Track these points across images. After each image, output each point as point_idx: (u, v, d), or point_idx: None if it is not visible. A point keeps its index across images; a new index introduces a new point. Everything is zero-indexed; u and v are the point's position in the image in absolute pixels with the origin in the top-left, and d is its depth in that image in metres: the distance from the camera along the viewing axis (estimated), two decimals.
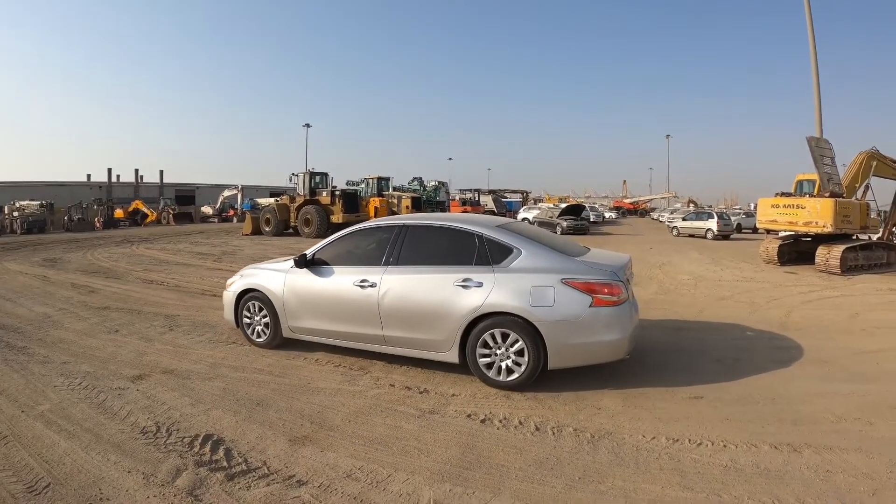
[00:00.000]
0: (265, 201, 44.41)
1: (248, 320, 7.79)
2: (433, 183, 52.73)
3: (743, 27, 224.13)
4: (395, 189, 44.03)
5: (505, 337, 5.95)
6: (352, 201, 30.77)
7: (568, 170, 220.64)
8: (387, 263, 6.63)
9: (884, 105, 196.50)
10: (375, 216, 31.14)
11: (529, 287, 5.88)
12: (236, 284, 7.96)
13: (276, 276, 7.50)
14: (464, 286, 6.08)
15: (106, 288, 12.73)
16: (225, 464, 4.36)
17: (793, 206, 19.40)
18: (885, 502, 4.06)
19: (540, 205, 57.08)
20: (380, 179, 42.77)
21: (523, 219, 44.35)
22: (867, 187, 20.78)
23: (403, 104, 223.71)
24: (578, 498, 3.95)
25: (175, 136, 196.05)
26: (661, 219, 59.05)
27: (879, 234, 21.98)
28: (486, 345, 6.04)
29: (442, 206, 50.20)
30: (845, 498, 4.10)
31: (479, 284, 6.02)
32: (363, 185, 43.44)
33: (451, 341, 6.15)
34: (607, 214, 63.52)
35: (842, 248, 17.51)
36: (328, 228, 27.89)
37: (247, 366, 6.82)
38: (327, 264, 7.08)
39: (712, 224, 35.28)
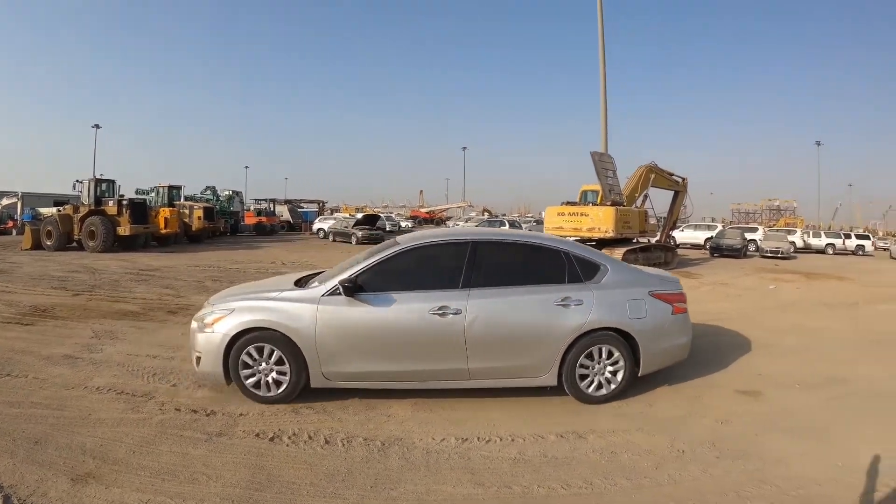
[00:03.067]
0: (48, 211, 40.45)
1: (248, 370, 5.91)
2: (227, 192, 50.68)
3: (533, 44, 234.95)
4: (186, 198, 41.83)
5: (605, 352, 6.03)
6: (140, 211, 28.48)
7: (367, 180, 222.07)
8: (466, 286, 5.92)
9: (663, 121, 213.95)
10: (165, 227, 29.75)
11: (626, 301, 6.09)
12: (227, 322, 5.93)
13: (299, 308, 5.89)
14: (564, 305, 5.91)
15: None
16: None
17: (577, 213, 21.21)
18: (668, 473, 4.46)
19: (336, 215, 57.02)
20: (171, 188, 39.85)
21: (318, 229, 44.37)
22: (646, 196, 23.28)
23: (197, 110, 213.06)
24: None
25: None
26: (456, 227, 61.13)
27: (658, 237, 24.44)
28: (583, 363, 6.00)
29: (236, 217, 48.64)
30: (630, 474, 4.44)
31: (580, 302, 5.93)
32: (153, 194, 40.67)
33: (551, 364, 5.91)
34: (403, 224, 64.92)
35: (623, 250, 19.35)
36: (114, 242, 26.06)
37: (22, 400, 6.02)
38: (375, 291, 5.93)
39: None
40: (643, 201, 23.49)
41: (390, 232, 48.62)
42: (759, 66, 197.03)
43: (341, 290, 5.78)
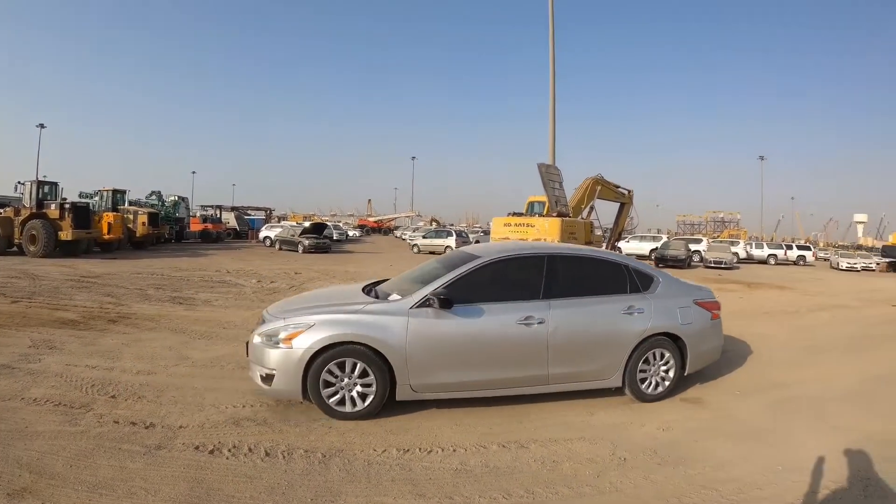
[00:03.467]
0: None
1: (331, 388, 5.74)
2: (173, 198, 49.49)
3: (488, 58, 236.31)
4: (131, 203, 40.63)
5: (659, 355, 6.71)
6: (83, 216, 27.53)
7: (316, 188, 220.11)
8: (547, 297, 6.29)
9: (610, 135, 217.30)
10: (109, 233, 29.30)
11: (677, 309, 6.86)
12: (308, 338, 5.69)
13: (389, 321, 5.84)
14: (629, 313, 6.54)
15: None
16: None
17: (524, 224, 21.32)
18: (609, 481, 4.55)
19: (283, 223, 56.69)
20: (115, 192, 37.89)
21: (265, 237, 43.79)
22: (592, 208, 23.76)
23: (145, 112, 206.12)
24: None
25: None
26: (403, 237, 61.57)
27: (604, 248, 24.81)
28: (642, 367, 6.65)
29: (181, 223, 47.77)
30: (572, 483, 4.51)
31: (641, 311, 6.59)
32: (97, 198, 39.02)
33: (617, 366, 6.47)
34: (351, 233, 65.35)
35: None
36: (56, 247, 25.20)
37: None
38: (460, 302, 6.00)
39: (451, 241, 38.15)
40: (589, 213, 23.91)
41: (337, 241, 48.88)
42: (707, 82, 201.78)
43: (436, 301, 5.81)
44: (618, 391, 6.62)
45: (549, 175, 21.62)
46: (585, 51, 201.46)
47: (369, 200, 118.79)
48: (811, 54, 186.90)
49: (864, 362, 9.28)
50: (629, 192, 26.57)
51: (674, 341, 6.78)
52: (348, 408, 5.71)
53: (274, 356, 5.71)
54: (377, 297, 6.49)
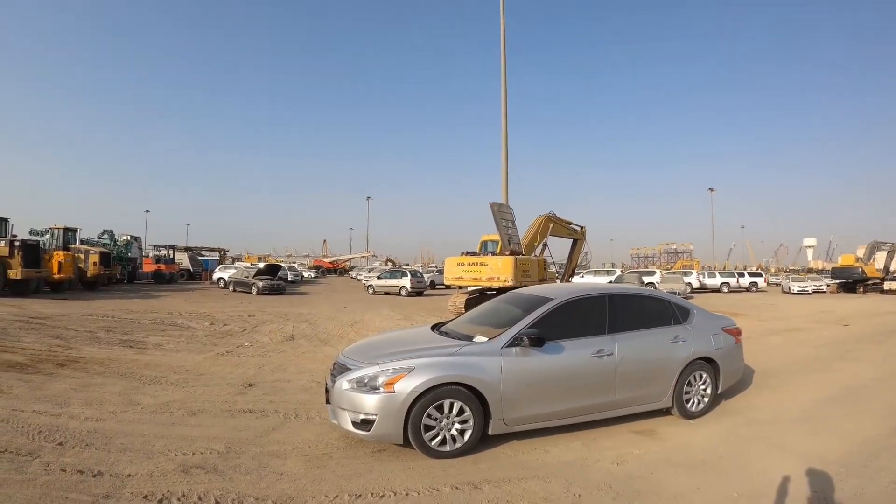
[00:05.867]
0: None
1: (432, 431, 5.90)
2: (125, 237, 48.71)
3: (445, 103, 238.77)
4: (82, 242, 39.75)
5: (699, 376, 7.56)
6: (33, 254, 26.80)
7: (271, 229, 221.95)
8: (611, 331, 6.98)
9: (566, 172, 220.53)
10: (59, 272, 28.43)
11: (710, 336, 7.79)
12: (410, 382, 5.80)
13: (484, 361, 6.14)
14: (675, 342, 7.38)
15: None
16: None
17: (477, 263, 21.69)
18: None
19: (237, 264, 56.33)
20: (66, 230, 37.31)
21: (218, 279, 43.60)
22: (545, 245, 24.00)
23: (96, 148, 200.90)
24: None
25: None
26: (359, 277, 61.60)
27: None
28: (686, 389, 7.44)
29: (134, 263, 46.98)
30: None
31: (685, 339, 7.46)
32: (48, 236, 37.96)
33: (668, 389, 7.24)
34: (306, 274, 65.19)
35: None
36: (5, 285, 24.61)
37: None
38: (543, 340, 6.46)
39: (406, 282, 38.48)
40: (542, 250, 24.20)
41: (292, 282, 48.65)
42: (656, 118, 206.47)
43: (527, 340, 6.27)
44: (667, 411, 7.39)
45: (502, 214, 21.95)
46: (540, 87, 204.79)
47: (324, 241, 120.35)
48: (754, 89, 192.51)
49: (816, 384, 9.64)
50: (582, 228, 27.06)
51: (709, 364, 7.67)
52: (448, 447, 5.92)
53: (374, 401, 5.81)
54: (450, 337, 6.95)
